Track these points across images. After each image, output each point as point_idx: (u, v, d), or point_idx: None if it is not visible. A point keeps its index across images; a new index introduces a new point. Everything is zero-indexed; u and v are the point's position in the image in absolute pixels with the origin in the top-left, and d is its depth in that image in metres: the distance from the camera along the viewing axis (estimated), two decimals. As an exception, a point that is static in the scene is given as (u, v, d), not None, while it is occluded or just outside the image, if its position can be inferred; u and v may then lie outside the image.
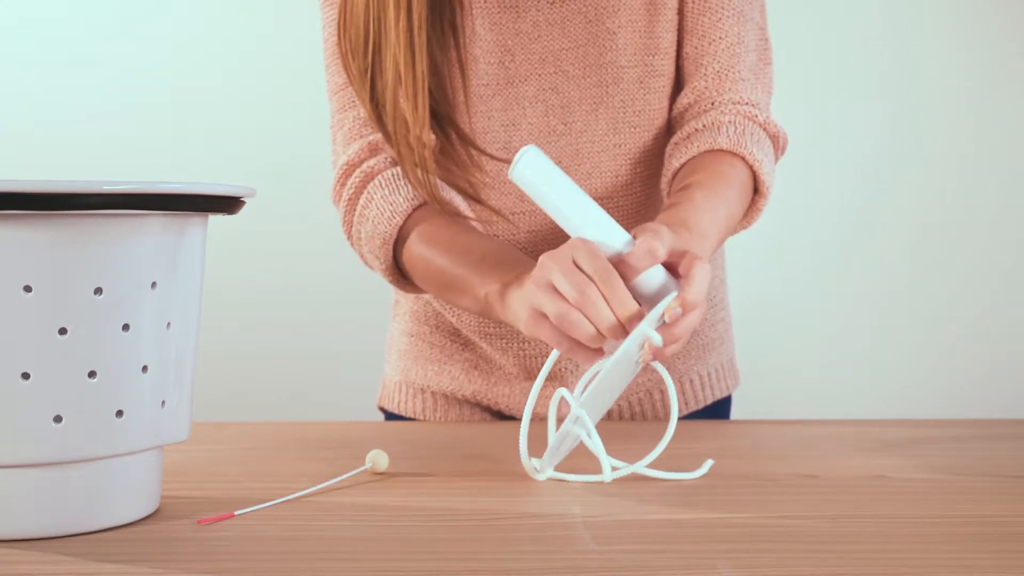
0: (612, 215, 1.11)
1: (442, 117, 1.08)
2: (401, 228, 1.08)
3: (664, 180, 1.13)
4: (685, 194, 1.02)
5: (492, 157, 1.10)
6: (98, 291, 0.73)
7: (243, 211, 0.83)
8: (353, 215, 1.12)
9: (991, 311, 2.13)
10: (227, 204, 0.79)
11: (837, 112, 2.11)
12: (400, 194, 1.08)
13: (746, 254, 2.01)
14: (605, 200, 1.15)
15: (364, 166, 1.10)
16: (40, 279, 0.71)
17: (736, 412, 1.33)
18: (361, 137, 1.11)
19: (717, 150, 1.08)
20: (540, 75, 1.12)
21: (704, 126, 1.10)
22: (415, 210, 1.08)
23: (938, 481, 0.90)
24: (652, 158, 1.16)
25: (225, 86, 2.08)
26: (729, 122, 1.09)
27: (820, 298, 2.14)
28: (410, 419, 1.26)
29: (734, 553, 0.71)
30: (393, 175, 1.09)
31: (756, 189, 1.11)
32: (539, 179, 0.89)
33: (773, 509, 0.81)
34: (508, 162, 1.10)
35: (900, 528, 0.76)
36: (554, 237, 1.15)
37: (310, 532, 0.76)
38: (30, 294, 0.71)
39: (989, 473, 0.93)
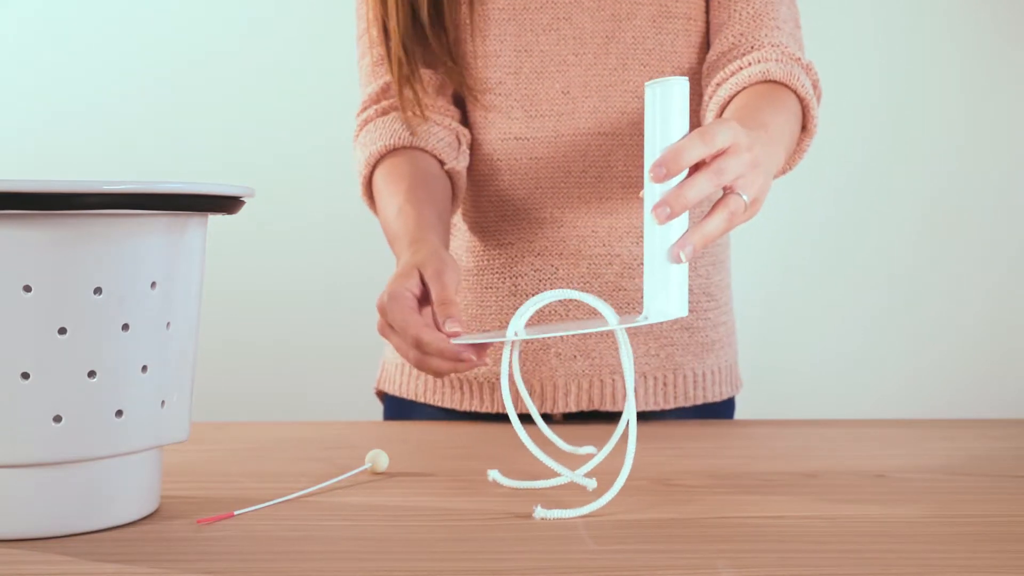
0: (617, 153, 1.17)
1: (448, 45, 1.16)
2: (375, 165, 1.15)
3: (710, 114, 1.11)
4: (747, 108, 1.02)
5: (476, 90, 1.16)
6: (98, 291, 0.73)
7: (243, 211, 0.83)
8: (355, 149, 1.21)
9: (991, 311, 2.13)
10: (227, 204, 0.79)
11: (838, 109, 2.11)
12: (379, 134, 1.16)
13: (746, 253, 2.01)
14: (611, 136, 1.17)
15: (364, 114, 1.19)
16: (40, 279, 0.71)
17: (737, 412, 1.33)
18: (372, 82, 1.20)
19: (770, 80, 1.08)
20: (555, 4, 1.16)
21: (752, 62, 1.10)
22: (389, 152, 1.15)
23: (938, 481, 0.90)
24: None
25: (225, 86, 2.08)
26: (777, 59, 1.09)
27: (819, 298, 2.14)
28: (410, 401, 1.26)
29: (734, 553, 0.71)
30: (382, 121, 1.17)
31: (803, 127, 1.10)
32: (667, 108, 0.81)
33: (773, 509, 0.81)
34: (494, 93, 1.17)
35: (900, 528, 0.76)
36: (554, 162, 1.18)
37: (310, 532, 0.76)
38: (30, 294, 0.71)
39: (989, 473, 0.93)
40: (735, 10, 1.14)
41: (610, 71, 1.16)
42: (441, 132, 1.17)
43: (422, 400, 1.25)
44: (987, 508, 0.81)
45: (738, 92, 1.09)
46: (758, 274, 2.09)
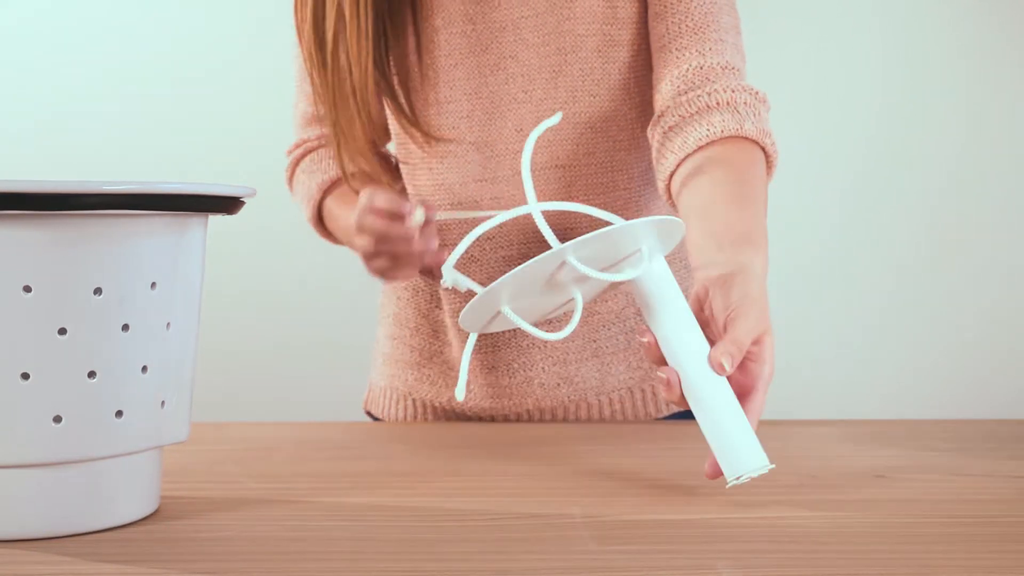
0: (575, 184, 1.17)
1: (397, 93, 1.17)
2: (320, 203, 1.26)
3: (674, 158, 1.07)
4: (746, 197, 1.00)
5: (434, 138, 1.17)
6: (98, 291, 0.73)
7: (243, 211, 0.83)
8: (291, 184, 1.34)
9: (991, 311, 2.13)
10: (227, 204, 0.79)
11: (836, 108, 2.11)
12: (316, 175, 1.28)
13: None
14: (568, 169, 1.16)
15: (300, 148, 1.32)
16: (40, 279, 0.71)
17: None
18: (307, 129, 1.32)
19: (742, 137, 1.04)
20: (500, 43, 1.14)
21: (718, 103, 1.06)
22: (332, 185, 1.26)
23: (938, 481, 0.90)
24: (613, 128, 1.16)
25: (225, 86, 2.08)
26: (745, 103, 1.06)
27: (819, 297, 2.14)
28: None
29: (734, 553, 0.71)
30: (314, 157, 1.29)
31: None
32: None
33: (773, 509, 0.81)
34: (451, 140, 1.17)
35: (900, 528, 0.76)
36: (516, 199, 1.18)
37: (310, 532, 0.76)
38: (30, 294, 0.71)
39: (989, 473, 0.93)
40: (673, 22, 1.10)
41: (560, 105, 1.14)
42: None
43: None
44: (987, 508, 0.81)
45: (701, 147, 1.05)
46: (758, 274, 2.08)
